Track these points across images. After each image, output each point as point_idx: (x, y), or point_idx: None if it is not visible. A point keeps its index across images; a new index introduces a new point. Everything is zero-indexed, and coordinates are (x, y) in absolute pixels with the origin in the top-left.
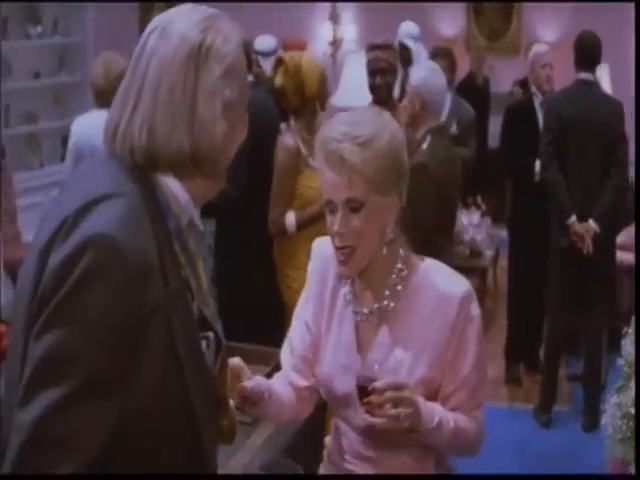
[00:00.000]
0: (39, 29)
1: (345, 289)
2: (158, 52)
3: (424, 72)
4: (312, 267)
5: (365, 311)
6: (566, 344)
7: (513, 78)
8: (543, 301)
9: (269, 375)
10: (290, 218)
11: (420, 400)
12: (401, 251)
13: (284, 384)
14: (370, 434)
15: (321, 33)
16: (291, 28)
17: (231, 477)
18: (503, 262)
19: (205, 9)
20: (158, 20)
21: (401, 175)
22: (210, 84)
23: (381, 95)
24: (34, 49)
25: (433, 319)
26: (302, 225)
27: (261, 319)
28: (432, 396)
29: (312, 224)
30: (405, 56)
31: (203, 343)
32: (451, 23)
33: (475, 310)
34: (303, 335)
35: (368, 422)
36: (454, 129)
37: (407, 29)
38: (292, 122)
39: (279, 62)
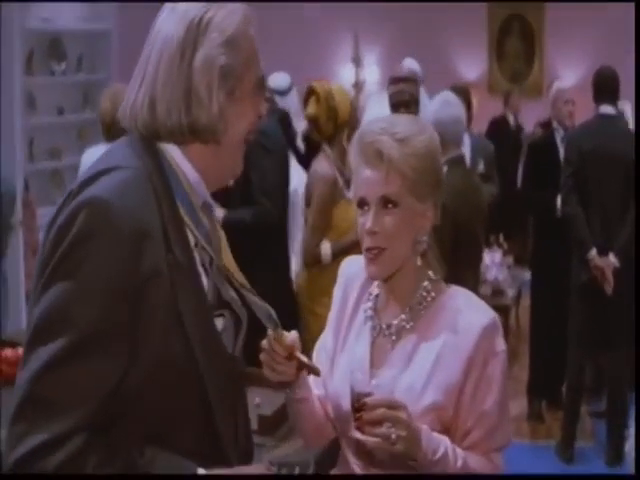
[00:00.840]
0: (63, 66)
1: (367, 305)
2: (162, 30)
3: (435, 105)
4: (337, 286)
5: (383, 326)
6: (589, 380)
7: (535, 120)
8: (565, 339)
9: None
10: (326, 247)
11: (423, 428)
12: (431, 273)
13: None
14: (363, 456)
15: (343, 75)
16: (313, 70)
17: (233, 477)
18: (525, 302)
19: None
20: (169, 4)
21: (437, 182)
22: (206, 51)
23: None
24: (58, 85)
25: (451, 344)
26: (337, 254)
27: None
28: (444, 429)
29: (347, 253)
30: None
31: (220, 321)
32: (473, 66)
33: (500, 345)
34: (324, 366)
35: (360, 440)
36: (481, 168)
37: (408, 66)
38: (327, 151)
39: (310, 91)
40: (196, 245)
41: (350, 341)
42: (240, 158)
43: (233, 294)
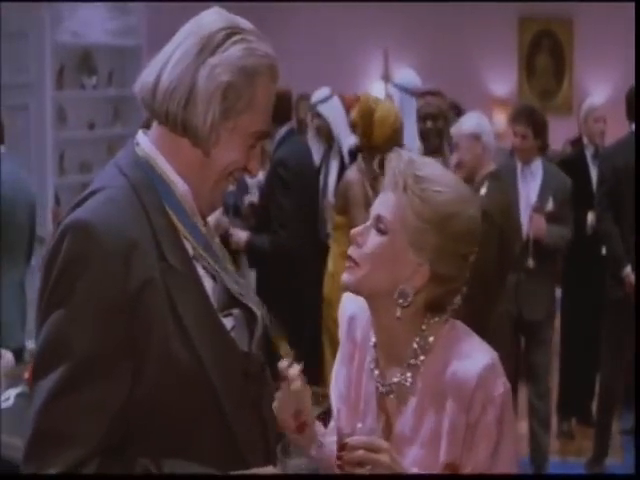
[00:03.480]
0: (94, 80)
1: (370, 355)
2: (200, 19)
3: (474, 118)
4: (340, 327)
5: (385, 385)
6: (620, 396)
7: (565, 138)
8: (595, 356)
9: (323, 415)
10: None
11: (411, 472)
12: (425, 319)
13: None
14: None
15: (373, 92)
16: (344, 86)
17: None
18: (555, 322)
19: None
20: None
21: (442, 253)
22: (218, 62)
23: (431, 141)
24: (89, 100)
25: (450, 399)
26: None
27: (307, 365)
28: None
29: None
30: None
31: (229, 320)
32: (503, 82)
33: (499, 387)
34: (338, 402)
35: None
36: (550, 205)
37: (396, 79)
38: (360, 162)
39: (357, 99)
40: (195, 251)
41: (363, 392)
42: (220, 194)
43: (244, 292)
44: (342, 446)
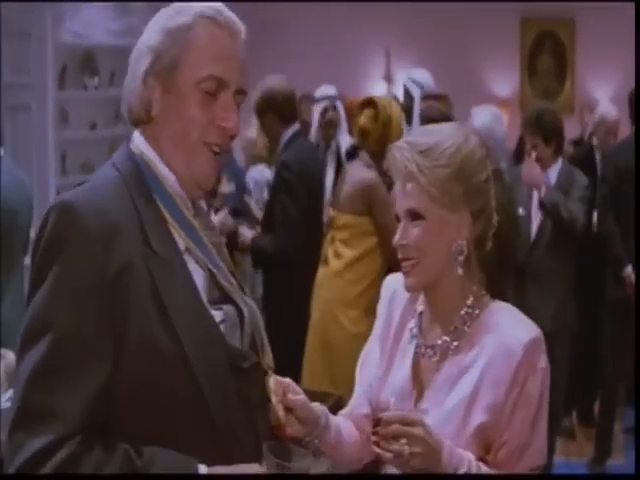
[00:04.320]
0: (96, 81)
1: (412, 322)
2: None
3: (487, 118)
4: (380, 302)
5: (427, 346)
6: (622, 396)
7: (567, 138)
8: (596, 356)
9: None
10: None
11: (446, 444)
12: (475, 288)
13: (346, 419)
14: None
15: (375, 93)
16: (345, 87)
17: (236, 477)
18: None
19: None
20: None
21: (471, 190)
22: (145, 34)
23: None
24: (91, 100)
25: (495, 364)
26: None
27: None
28: (486, 452)
29: None
30: (404, 107)
31: (219, 313)
32: (505, 83)
33: (542, 362)
34: (370, 377)
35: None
36: None
37: (414, 75)
38: (366, 158)
39: (368, 102)
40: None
41: (396, 361)
42: (201, 168)
43: (234, 289)
44: (377, 421)
